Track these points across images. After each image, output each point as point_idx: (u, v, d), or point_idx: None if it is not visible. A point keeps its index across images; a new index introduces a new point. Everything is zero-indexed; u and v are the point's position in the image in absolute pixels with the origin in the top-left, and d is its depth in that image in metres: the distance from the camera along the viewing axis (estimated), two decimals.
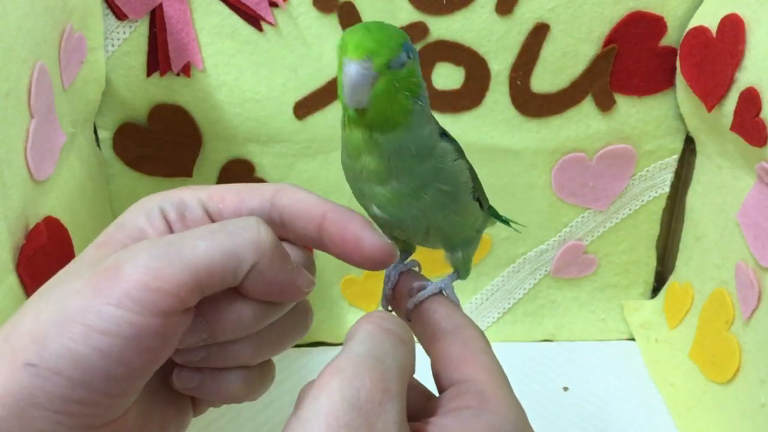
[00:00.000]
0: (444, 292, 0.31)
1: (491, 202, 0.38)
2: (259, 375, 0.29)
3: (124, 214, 0.29)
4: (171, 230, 0.28)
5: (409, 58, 0.27)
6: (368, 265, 0.28)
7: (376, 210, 0.31)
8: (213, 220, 0.28)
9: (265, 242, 0.25)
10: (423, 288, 0.31)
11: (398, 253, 0.30)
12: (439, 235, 0.33)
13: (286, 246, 0.28)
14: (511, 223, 0.42)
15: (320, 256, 0.65)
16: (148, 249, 0.24)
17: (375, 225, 0.29)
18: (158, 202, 0.28)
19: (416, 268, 0.34)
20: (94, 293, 0.23)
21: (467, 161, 0.32)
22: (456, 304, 0.31)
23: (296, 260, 0.28)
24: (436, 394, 0.28)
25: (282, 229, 0.28)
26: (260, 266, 0.25)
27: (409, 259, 0.35)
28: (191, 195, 0.29)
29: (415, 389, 0.28)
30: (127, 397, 0.25)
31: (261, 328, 0.27)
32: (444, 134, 0.31)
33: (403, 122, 0.28)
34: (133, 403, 0.25)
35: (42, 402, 0.23)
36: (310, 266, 0.29)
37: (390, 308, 0.34)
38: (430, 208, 0.30)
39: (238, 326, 0.26)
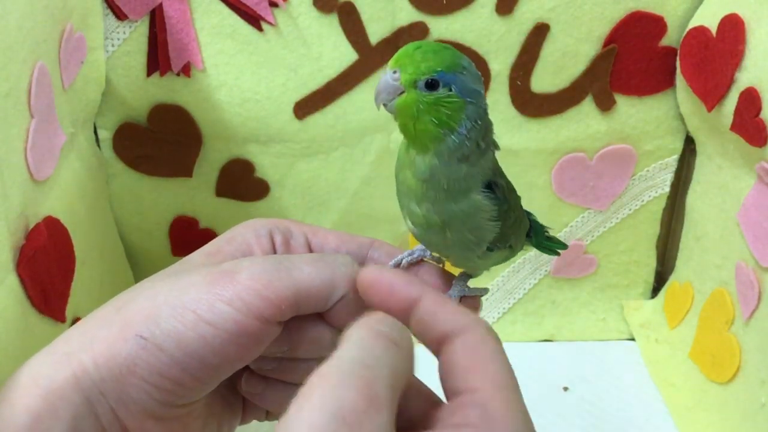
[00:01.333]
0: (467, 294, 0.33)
1: None
2: None
3: (234, 229, 0.32)
4: (275, 252, 0.32)
5: (448, 86, 0.29)
6: None
7: (409, 224, 0.33)
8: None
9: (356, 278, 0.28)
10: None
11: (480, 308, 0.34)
12: (456, 262, 0.34)
13: None
14: (555, 248, 0.41)
15: None
16: (262, 262, 0.28)
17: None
18: (268, 225, 0.32)
19: (431, 260, 0.34)
20: (210, 289, 0.27)
21: (516, 211, 0.33)
22: (481, 294, 0.33)
23: None
24: (443, 398, 0.27)
25: None
26: (349, 298, 0.29)
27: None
28: (297, 227, 0.33)
29: (419, 393, 0.27)
30: (209, 386, 0.28)
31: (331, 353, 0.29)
32: (493, 185, 0.31)
33: (431, 147, 0.29)
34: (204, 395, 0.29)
35: (141, 372, 0.26)
36: None
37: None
38: (453, 245, 0.32)
39: (315, 347, 0.30)
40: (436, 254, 0.34)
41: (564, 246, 0.41)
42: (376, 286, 0.27)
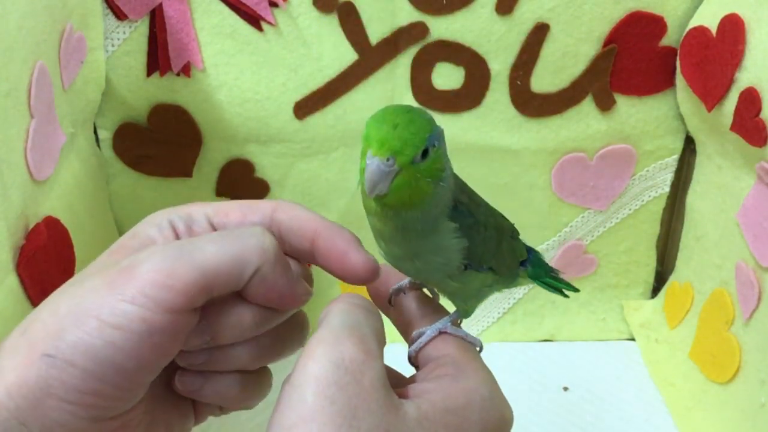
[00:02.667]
0: (449, 332, 0.32)
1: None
2: (257, 382, 0.30)
3: (137, 226, 0.30)
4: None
5: (434, 146, 0.28)
6: (352, 280, 0.29)
7: (380, 249, 0.32)
8: None
9: (269, 248, 0.27)
10: (422, 334, 0.32)
11: (380, 270, 0.31)
12: (437, 288, 0.34)
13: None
14: (564, 290, 0.40)
15: None
16: (162, 251, 0.26)
17: (361, 244, 0.30)
18: (168, 215, 0.30)
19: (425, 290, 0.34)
20: (110, 290, 0.25)
21: (488, 229, 0.32)
22: (465, 339, 0.32)
23: (295, 271, 0.29)
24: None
25: (280, 242, 0.30)
26: (263, 271, 0.27)
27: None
28: (198, 210, 0.31)
29: (390, 372, 0.29)
30: (136, 392, 0.26)
31: (260, 333, 0.29)
32: (460, 203, 0.31)
33: (419, 204, 0.29)
34: (139, 401, 0.27)
35: (57, 392, 0.24)
36: (307, 278, 0.31)
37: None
38: (424, 271, 0.31)
39: (239, 330, 0.28)
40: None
41: (575, 289, 0.40)
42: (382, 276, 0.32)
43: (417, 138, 0.27)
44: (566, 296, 0.40)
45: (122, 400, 0.26)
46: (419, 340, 0.31)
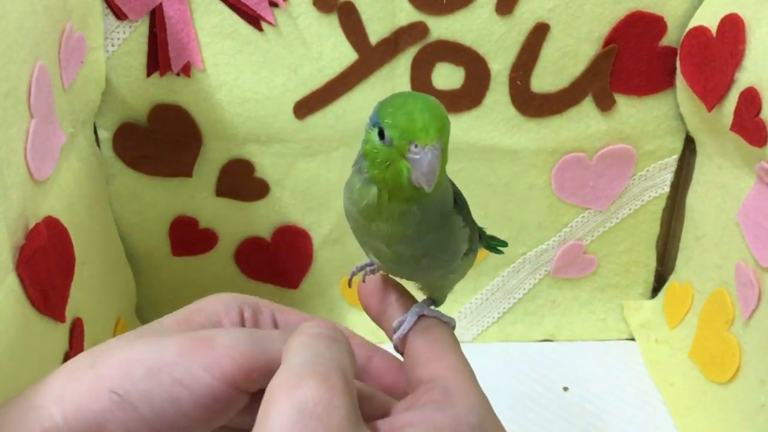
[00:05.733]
0: (425, 314, 0.32)
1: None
2: None
3: (202, 301, 0.33)
4: (243, 326, 0.32)
5: None
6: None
7: (372, 257, 0.31)
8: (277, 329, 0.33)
9: None
10: (402, 322, 0.31)
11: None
12: (425, 285, 0.33)
13: None
14: (497, 246, 0.40)
15: (319, 258, 0.64)
16: (239, 332, 0.28)
17: None
18: (238, 300, 0.33)
19: (432, 306, 0.33)
20: (186, 354, 0.27)
21: (467, 207, 0.32)
22: (441, 318, 0.32)
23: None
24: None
25: None
26: None
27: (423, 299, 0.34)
28: (265, 304, 0.33)
29: (375, 400, 0.29)
30: None
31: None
32: (456, 195, 0.30)
33: (438, 189, 0.28)
34: None
35: (111, 428, 0.26)
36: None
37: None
38: (426, 269, 0.31)
39: None
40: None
41: (505, 243, 0.39)
42: (362, 291, 0.33)
43: (445, 115, 0.26)
44: (501, 252, 0.40)
45: None
46: (401, 329, 0.31)
